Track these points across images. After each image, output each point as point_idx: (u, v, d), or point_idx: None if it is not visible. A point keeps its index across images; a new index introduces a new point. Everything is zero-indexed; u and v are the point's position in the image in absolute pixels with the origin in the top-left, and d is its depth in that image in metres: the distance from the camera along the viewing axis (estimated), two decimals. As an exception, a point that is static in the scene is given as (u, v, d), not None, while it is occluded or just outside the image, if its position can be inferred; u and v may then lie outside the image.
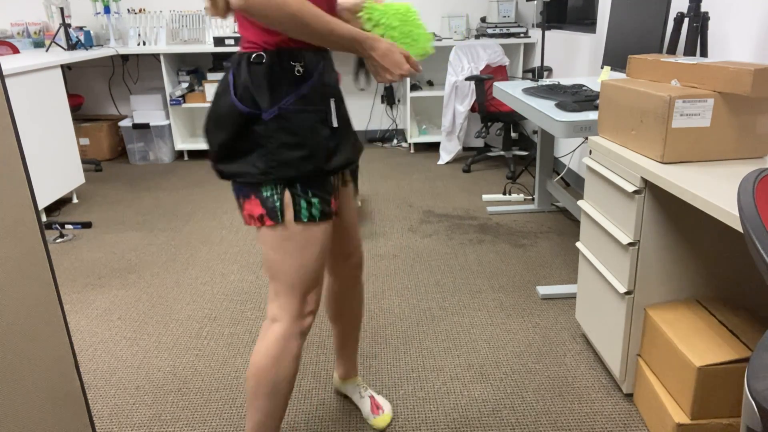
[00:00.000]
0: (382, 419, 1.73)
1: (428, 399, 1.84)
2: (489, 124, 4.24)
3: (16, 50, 4.24)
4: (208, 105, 2.18)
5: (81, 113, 5.09)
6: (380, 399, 1.79)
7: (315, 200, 1.27)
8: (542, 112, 2.23)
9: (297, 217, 1.27)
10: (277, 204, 1.25)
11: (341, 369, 1.81)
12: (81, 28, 4.64)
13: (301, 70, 1.22)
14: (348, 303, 1.67)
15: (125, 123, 4.65)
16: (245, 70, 1.21)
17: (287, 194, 1.25)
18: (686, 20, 2.22)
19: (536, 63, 4.54)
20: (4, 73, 3.05)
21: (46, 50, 4.37)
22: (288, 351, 1.33)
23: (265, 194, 1.25)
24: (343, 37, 1.18)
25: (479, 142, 5.01)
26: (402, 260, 2.83)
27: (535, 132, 4.64)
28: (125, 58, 4.97)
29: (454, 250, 2.93)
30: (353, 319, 1.70)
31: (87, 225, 3.36)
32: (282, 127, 1.21)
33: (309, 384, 1.92)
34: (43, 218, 3.44)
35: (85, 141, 4.72)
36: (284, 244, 1.28)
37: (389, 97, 5.13)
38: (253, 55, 1.21)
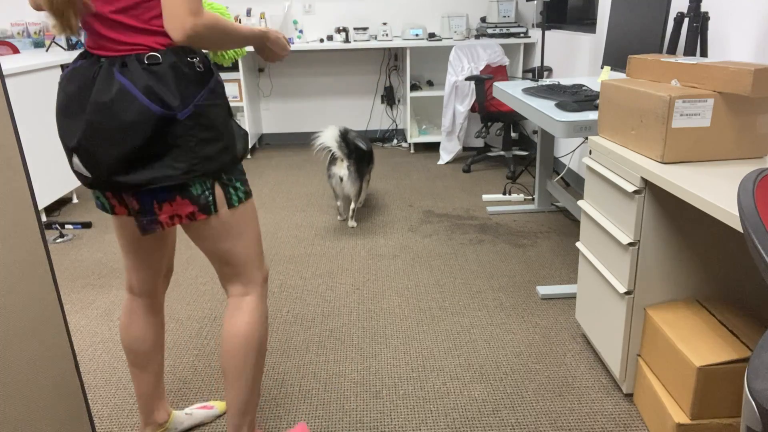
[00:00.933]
0: (221, 403, 1.81)
1: (428, 399, 1.84)
2: (489, 124, 4.24)
3: (16, 50, 4.24)
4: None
5: (81, 113, 5.08)
6: (199, 405, 1.78)
7: (238, 184, 1.35)
8: (542, 112, 2.23)
9: (230, 205, 1.33)
10: (210, 198, 1.29)
11: (162, 411, 1.65)
12: (81, 28, 4.63)
13: (201, 66, 1.24)
14: (160, 327, 1.59)
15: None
16: (142, 73, 1.17)
17: (217, 187, 1.30)
18: (686, 20, 2.22)
19: (536, 63, 4.54)
20: (4, 73, 3.05)
21: (46, 50, 4.37)
22: (264, 313, 1.46)
23: (195, 192, 1.27)
24: (252, 38, 1.34)
25: (479, 142, 5.01)
26: (402, 260, 2.83)
27: (535, 132, 4.64)
28: (125, 58, 4.96)
29: (454, 250, 2.93)
30: (162, 344, 1.61)
31: (87, 225, 3.36)
32: (199, 123, 1.22)
33: (309, 384, 1.92)
34: (43, 218, 3.44)
35: (85, 141, 4.71)
36: (232, 230, 1.35)
37: (389, 97, 5.13)
38: (146, 56, 1.18)
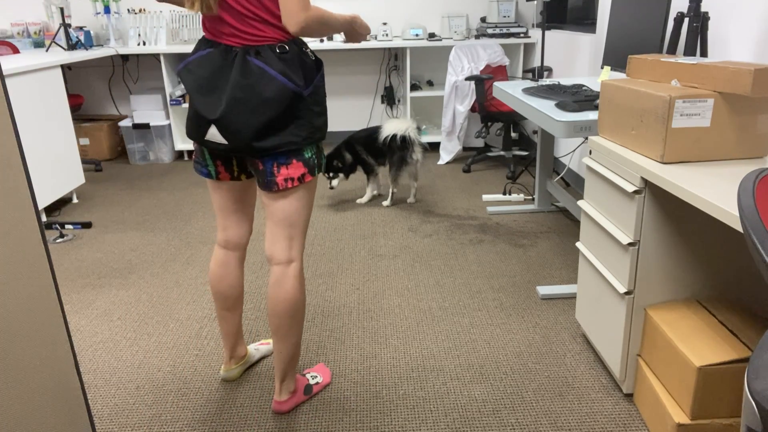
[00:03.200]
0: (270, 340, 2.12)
1: (428, 399, 1.84)
2: (489, 124, 4.24)
3: (16, 50, 4.24)
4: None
5: (81, 113, 5.09)
6: (260, 343, 2.12)
7: (324, 154, 1.66)
8: (542, 112, 2.23)
9: (321, 170, 1.64)
10: (316, 161, 1.60)
11: (243, 347, 1.97)
12: (81, 28, 4.64)
13: (314, 56, 1.55)
14: (243, 274, 1.98)
15: (125, 123, 4.65)
16: (276, 59, 1.45)
17: (318, 152, 1.61)
18: (686, 20, 2.22)
19: (536, 63, 4.54)
20: (4, 73, 3.05)
21: (46, 50, 4.37)
22: (304, 280, 1.71)
23: (307, 155, 1.57)
24: (345, 23, 1.58)
25: (479, 142, 5.01)
26: (402, 260, 2.83)
27: (535, 132, 4.63)
28: (125, 58, 4.97)
29: (454, 250, 2.93)
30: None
31: (87, 225, 3.36)
32: (315, 101, 1.53)
33: (309, 384, 1.92)
34: (43, 218, 3.44)
35: (85, 141, 4.72)
36: (310, 195, 1.64)
37: (389, 97, 5.13)
38: (277, 47, 1.46)
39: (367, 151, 3.60)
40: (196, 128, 1.53)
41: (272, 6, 1.44)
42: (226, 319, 1.86)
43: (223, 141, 1.50)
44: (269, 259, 1.67)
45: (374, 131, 3.58)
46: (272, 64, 1.44)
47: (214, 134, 1.50)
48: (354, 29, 1.63)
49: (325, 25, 1.48)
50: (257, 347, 2.07)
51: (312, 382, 1.88)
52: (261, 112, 1.45)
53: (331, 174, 3.56)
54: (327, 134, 5.27)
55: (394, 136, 3.50)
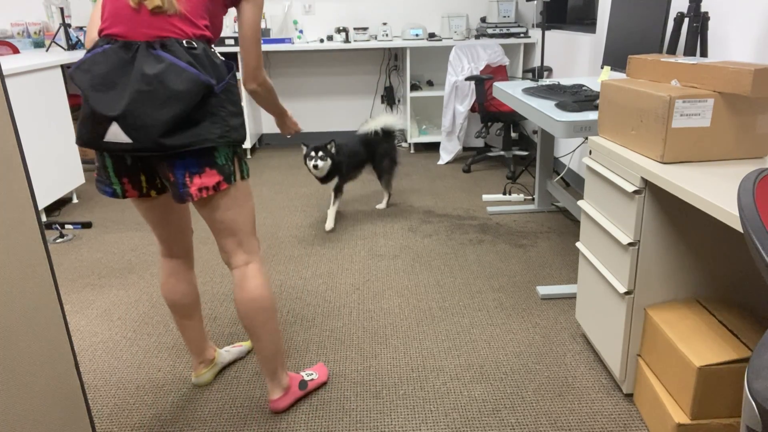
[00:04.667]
0: (247, 342, 2.13)
1: (428, 399, 1.84)
2: (489, 124, 4.24)
3: (16, 50, 4.24)
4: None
5: (81, 113, 5.08)
6: (232, 346, 2.10)
7: (245, 160, 1.60)
8: (542, 112, 2.23)
9: (242, 176, 1.58)
10: (232, 168, 1.53)
11: (210, 349, 1.96)
12: (81, 28, 4.64)
13: (222, 58, 1.51)
14: (195, 279, 1.87)
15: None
16: (183, 52, 1.39)
17: (235, 159, 1.54)
18: (686, 20, 2.22)
19: (536, 63, 4.54)
20: (4, 73, 3.05)
21: (46, 50, 4.37)
22: (267, 275, 1.71)
23: (220, 162, 1.50)
24: (281, 108, 1.77)
25: (479, 142, 5.01)
26: (402, 260, 2.83)
27: (535, 132, 4.63)
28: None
29: (454, 250, 2.93)
30: (198, 294, 1.90)
31: (87, 225, 3.36)
32: (229, 99, 1.48)
33: (309, 384, 1.92)
34: (43, 218, 3.44)
35: (85, 141, 4.71)
36: (240, 199, 1.58)
37: (389, 97, 5.13)
38: (185, 41, 1.40)
39: (350, 160, 3.35)
40: (92, 130, 1.39)
41: (204, 12, 1.44)
42: (186, 327, 1.84)
43: (127, 140, 1.36)
44: (227, 265, 1.68)
45: (354, 137, 3.46)
46: (180, 56, 1.37)
47: (115, 133, 1.37)
48: (284, 119, 1.84)
49: (270, 95, 1.65)
50: (228, 349, 2.06)
51: (307, 378, 1.87)
52: (171, 106, 1.35)
53: (316, 154, 3.14)
54: (326, 135, 5.29)
55: (376, 133, 3.45)
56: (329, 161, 3.20)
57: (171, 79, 1.35)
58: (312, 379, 1.88)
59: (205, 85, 1.39)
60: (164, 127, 1.36)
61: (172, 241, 1.74)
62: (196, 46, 1.41)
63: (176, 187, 1.47)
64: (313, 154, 3.14)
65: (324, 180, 3.28)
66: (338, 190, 3.34)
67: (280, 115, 1.82)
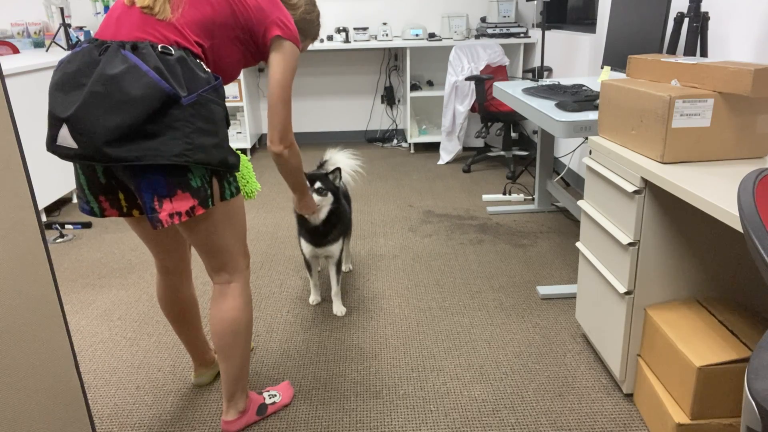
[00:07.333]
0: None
1: (428, 399, 1.84)
2: (489, 124, 4.24)
3: (16, 50, 4.24)
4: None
5: (81, 113, 5.08)
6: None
7: (231, 179, 1.46)
8: (542, 112, 2.23)
9: (222, 197, 1.43)
10: (209, 191, 1.37)
11: (210, 352, 1.93)
12: (81, 28, 4.64)
13: (207, 69, 1.36)
14: (193, 289, 1.82)
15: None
16: (154, 56, 1.25)
17: (214, 180, 1.40)
18: (686, 20, 2.22)
19: (536, 63, 4.54)
20: (4, 73, 3.05)
21: (46, 50, 4.37)
22: (248, 297, 1.60)
23: (195, 185, 1.34)
24: (304, 183, 1.74)
25: (479, 142, 5.01)
26: (402, 260, 2.83)
27: (535, 132, 4.64)
28: (125, 58, 4.96)
29: (454, 250, 2.93)
30: (197, 301, 1.85)
31: (87, 225, 3.36)
32: (199, 113, 1.29)
33: (309, 384, 1.92)
34: (43, 218, 3.44)
35: (85, 141, 4.71)
36: (222, 223, 1.46)
37: (389, 97, 5.13)
38: (160, 46, 1.28)
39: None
40: (48, 132, 1.29)
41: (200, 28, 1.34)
42: (185, 333, 1.80)
43: (74, 144, 1.24)
44: (210, 278, 1.61)
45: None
46: (147, 59, 1.24)
47: (64, 137, 1.25)
48: (304, 197, 1.82)
49: (296, 163, 1.57)
50: None
51: (268, 401, 1.77)
52: (121, 112, 1.21)
53: (312, 185, 2.09)
54: (326, 135, 5.29)
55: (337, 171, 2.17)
56: (331, 198, 2.12)
57: (128, 82, 1.21)
58: (273, 403, 1.78)
59: (167, 94, 1.23)
60: (109, 135, 1.21)
61: (165, 256, 1.66)
62: (172, 51, 1.28)
63: (145, 210, 1.32)
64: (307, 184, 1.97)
65: (323, 236, 2.16)
66: (341, 263, 2.34)
67: (302, 194, 1.74)
